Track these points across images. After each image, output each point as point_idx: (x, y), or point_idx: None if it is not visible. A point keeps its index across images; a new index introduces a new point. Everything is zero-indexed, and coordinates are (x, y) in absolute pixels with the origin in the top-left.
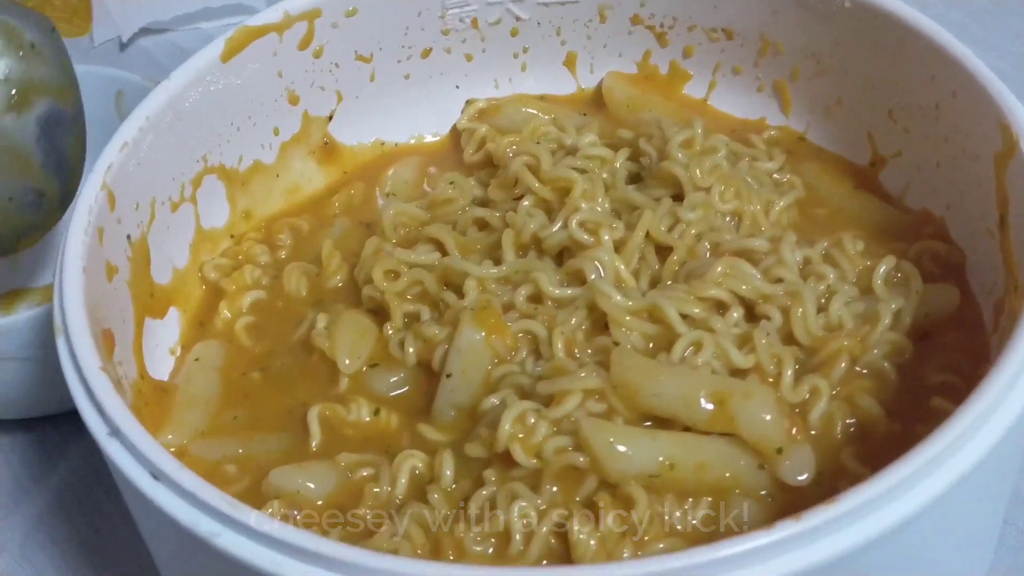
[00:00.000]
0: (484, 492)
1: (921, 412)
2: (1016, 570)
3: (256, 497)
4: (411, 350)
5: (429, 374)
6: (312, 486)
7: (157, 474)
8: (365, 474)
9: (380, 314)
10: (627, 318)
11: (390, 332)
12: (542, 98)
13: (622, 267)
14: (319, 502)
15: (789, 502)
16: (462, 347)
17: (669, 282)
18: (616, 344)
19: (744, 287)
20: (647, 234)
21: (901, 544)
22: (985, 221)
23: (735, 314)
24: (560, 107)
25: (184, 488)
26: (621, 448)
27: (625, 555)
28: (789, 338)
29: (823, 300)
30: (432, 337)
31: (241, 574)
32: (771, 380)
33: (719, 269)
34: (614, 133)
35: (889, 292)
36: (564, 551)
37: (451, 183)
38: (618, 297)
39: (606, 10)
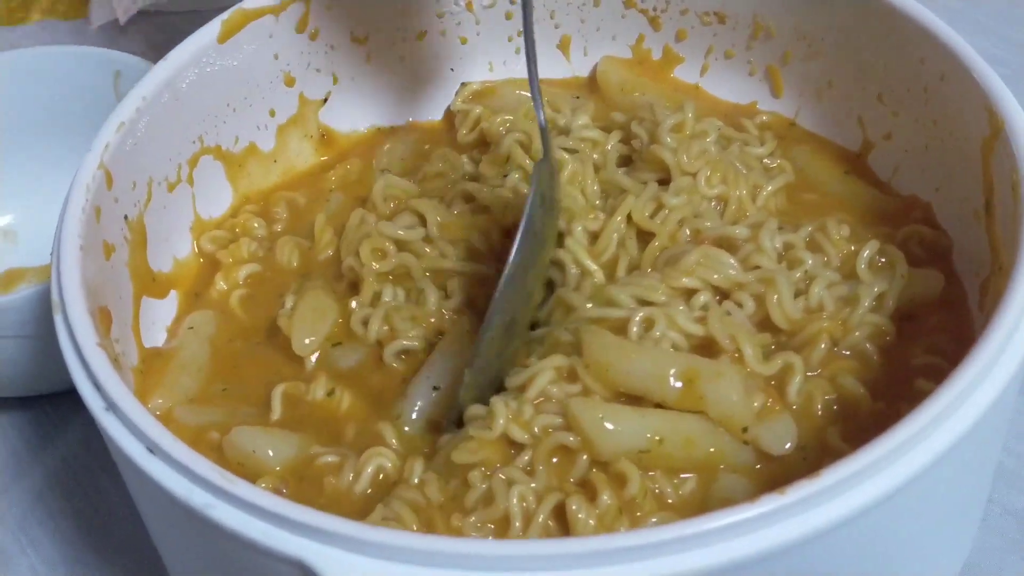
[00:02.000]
0: (481, 485)
1: (906, 393)
2: (1000, 548)
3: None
4: (375, 327)
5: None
6: (271, 453)
7: (152, 447)
8: (330, 460)
9: (356, 287)
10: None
11: (354, 307)
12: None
13: (589, 262)
14: (278, 468)
15: (774, 476)
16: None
17: (649, 269)
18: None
19: (716, 276)
20: (630, 219)
21: (885, 518)
22: (972, 204)
23: (702, 298)
24: (555, 89)
25: (178, 461)
26: (610, 425)
27: (621, 530)
28: (767, 323)
29: (803, 285)
30: (403, 331)
31: (234, 545)
32: (737, 355)
33: (693, 258)
34: (608, 116)
35: (873, 276)
36: (561, 534)
37: (443, 159)
38: (578, 300)
39: None
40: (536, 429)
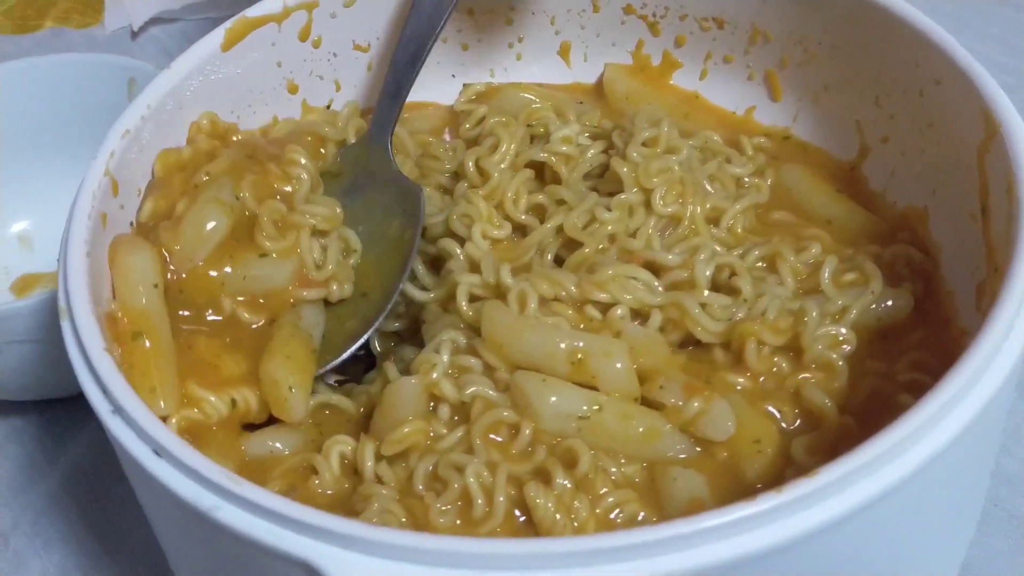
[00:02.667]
0: (424, 466)
1: (889, 409)
2: (1005, 552)
3: None
4: (331, 266)
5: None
6: (279, 446)
7: (159, 450)
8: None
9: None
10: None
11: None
12: (540, 86)
13: (487, 260)
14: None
15: (724, 466)
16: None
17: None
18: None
19: (628, 297)
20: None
21: (879, 518)
22: (969, 206)
23: (619, 311)
24: (560, 94)
25: (185, 463)
26: (553, 398)
27: (578, 505)
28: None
29: (742, 304)
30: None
31: (241, 547)
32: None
33: (609, 272)
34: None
35: (839, 291)
36: (523, 506)
37: (453, 148)
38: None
39: None
40: (466, 393)
